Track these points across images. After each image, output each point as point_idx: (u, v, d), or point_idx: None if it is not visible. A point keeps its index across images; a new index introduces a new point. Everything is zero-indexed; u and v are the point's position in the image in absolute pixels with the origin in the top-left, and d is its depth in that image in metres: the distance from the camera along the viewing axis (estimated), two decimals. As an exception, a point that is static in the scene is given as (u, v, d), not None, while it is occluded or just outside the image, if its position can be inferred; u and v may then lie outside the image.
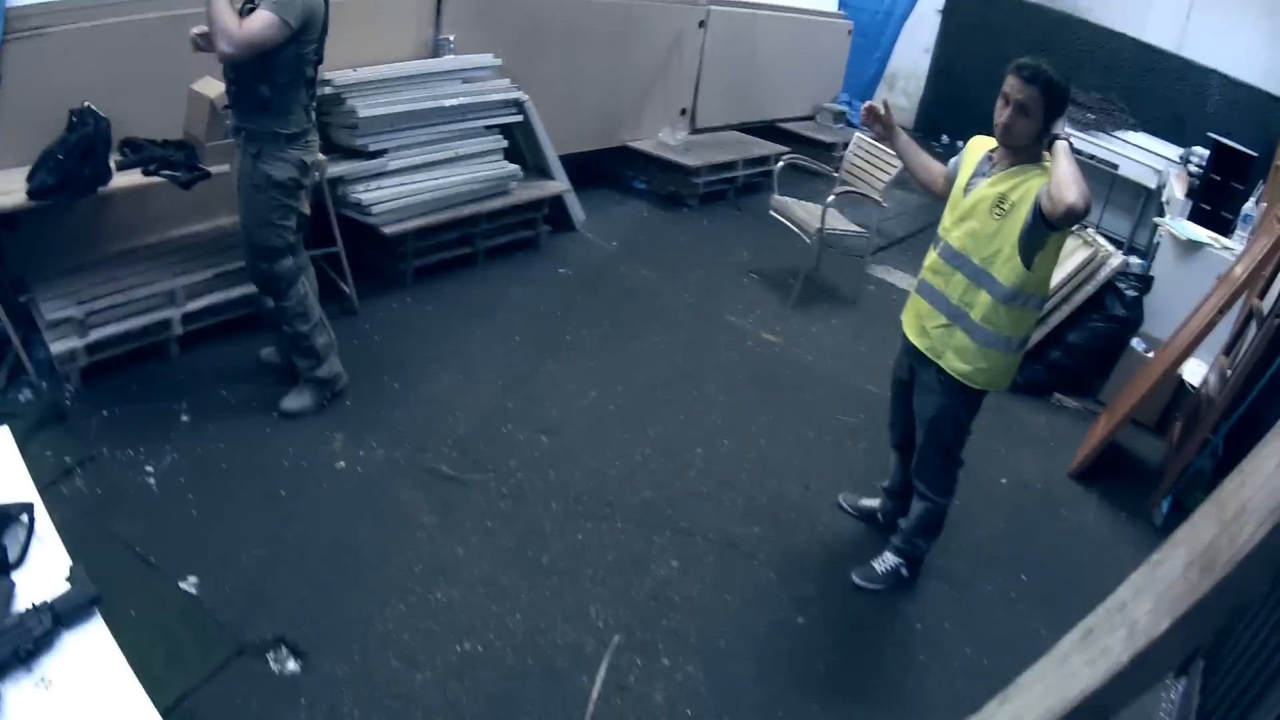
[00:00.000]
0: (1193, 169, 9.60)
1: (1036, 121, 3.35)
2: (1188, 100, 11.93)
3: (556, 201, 7.43)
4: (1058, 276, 6.22)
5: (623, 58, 8.54)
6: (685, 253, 7.66)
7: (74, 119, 4.86)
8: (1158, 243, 7.67)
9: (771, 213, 7.36)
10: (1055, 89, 3.33)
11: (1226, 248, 6.99)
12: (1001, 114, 3.36)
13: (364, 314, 5.82)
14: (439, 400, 5.01)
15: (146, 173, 4.95)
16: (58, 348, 4.82)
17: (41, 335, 4.92)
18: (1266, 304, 5.11)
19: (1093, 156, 10.88)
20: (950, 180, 3.73)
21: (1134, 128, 11.47)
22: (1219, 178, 8.60)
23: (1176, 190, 9.11)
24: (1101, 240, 6.59)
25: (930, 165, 3.91)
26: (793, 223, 7.11)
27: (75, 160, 4.72)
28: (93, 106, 4.91)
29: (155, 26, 5.13)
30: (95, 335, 4.90)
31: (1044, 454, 5.61)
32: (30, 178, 4.67)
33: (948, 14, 13.69)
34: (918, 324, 3.73)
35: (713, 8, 9.30)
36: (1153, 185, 10.45)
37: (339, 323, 5.58)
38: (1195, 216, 8.25)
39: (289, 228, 4.49)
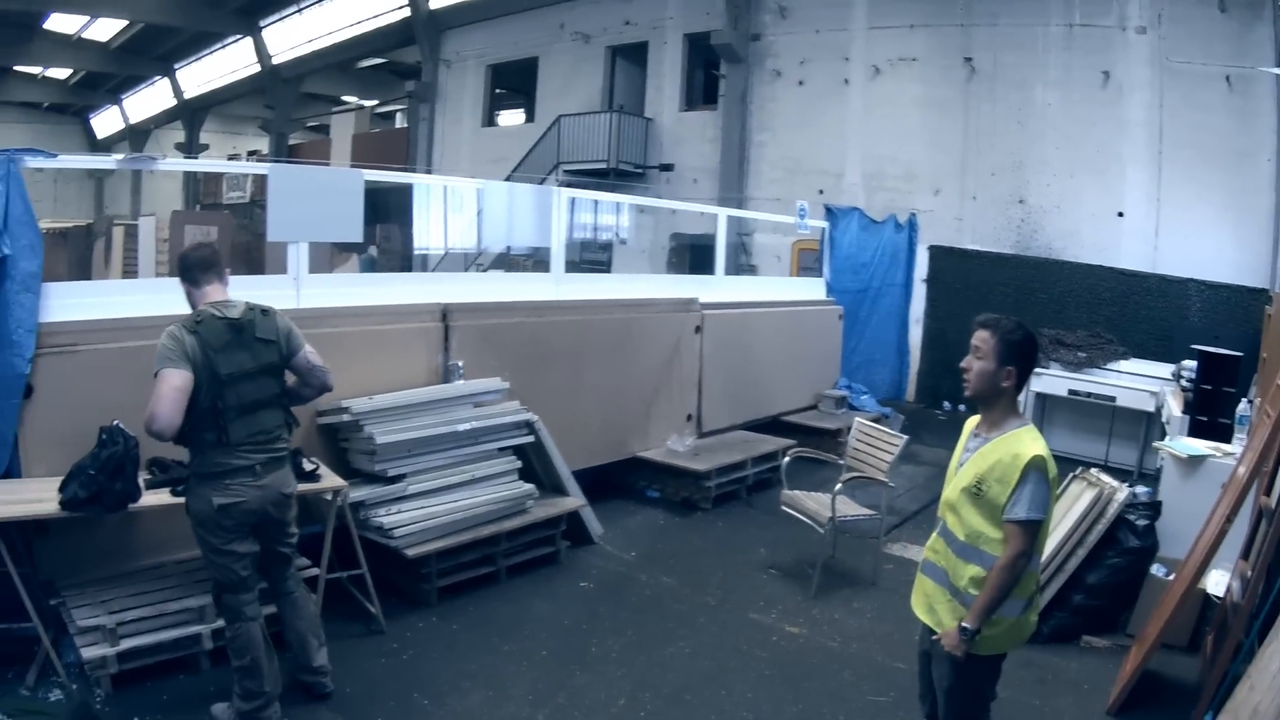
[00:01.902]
0: (1185, 383, 10.07)
1: (990, 363, 3.71)
2: (1171, 314, 12.76)
3: (573, 516, 7.83)
4: (1067, 524, 6.58)
5: (625, 370, 9.24)
6: (703, 555, 8.02)
7: (104, 436, 5.28)
8: (1160, 466, 7.97)
9: (783, 507, 7.76)
10: (1007, 331, 3.71)
11: (1228, 454, 7.23)
12: (964, 364, 3.80)
13: (390, 633, 6.10)
14: (470, 717, 5.23)
15: (174, 493, 5.32)
16: (89, 653, 5.14)
17: (73, 639, 5.23)
18: (1275, 498, 5.34)
19: (1090, 394, 11.45)
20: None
21: (1124, 356, 12.18)
22: (1209, 386, 9.01)
23: (1174, 408, 9.58)
24: (1105, 478, 6.92)
25: None
26: (805, 515, 7.51)
27: (106, 476, 5.11)
28: (121, 425, 5.35)
29: None
30: (126, 644, 5.22)
31: (1080, 698, 5.76)
32: (62, 488, 5.10)
33: (931, 283, 14.63)
34: (924, 601, 3.98)
35: (706, 312, 10.09)
36: (1151, 409, 10.95)
37: (364, 642, 5.93)
38: (1195, 430, 8.62)
39: (221, 564, 4.76)
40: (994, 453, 3.69)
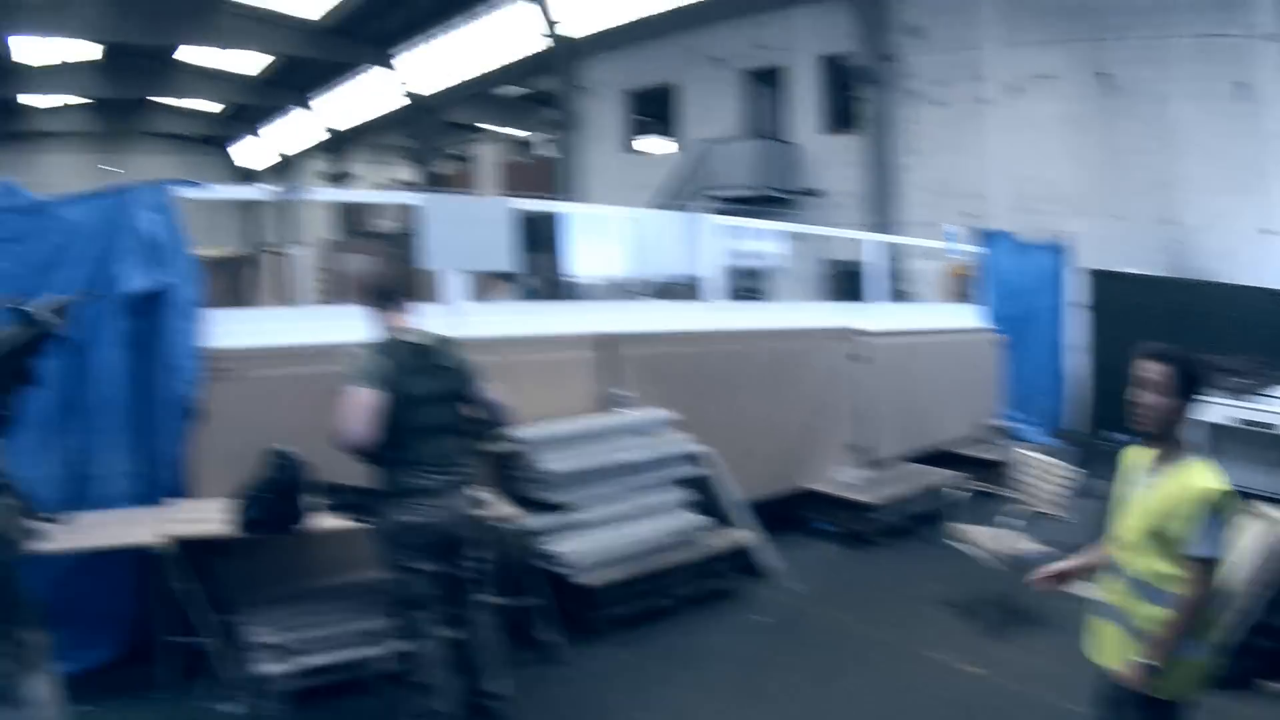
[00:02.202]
0: None
1: (1167, 398, 3.61)
2: None
3: (746, 549, 7.86)
4: (1239, 561, 6.27)
5: (787, 400, 9.26)
6: (875, 590, 7.98)
7: (274, 459, 5.53)
8: None
9: (954, 541, 7.68)
10: (1185, 364, 3.62)
11: None
12: (1133, 398, 3.69)
13: (567, 663, 6.23)
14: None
15: (343, 517, 5.50)
16: (263, 669, 5.37)
17: (247, 656, 5.46)
18: None
19: (1250, 421, 10.96)
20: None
21: None
22: None
23: None
24: (1272, 510, 6.65)
25: None
26: (977, 549, 7.40)
27: (278, 499, 5.41)
28: (291, 450, 5.60)
29: (340, 378, 5.81)
30: (302, 662, 5.44)
31: None
32: (238, 511, 5.37)
33: (1094, 309, 14.24)
34: (1104, 645, 3.88)
35: (866, 340, 10.05)
36: None
37: (540, 672, 6.06)
38: None
39: (403, 581, 4.96)
40: (1171, 488, 3.59)
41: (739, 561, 7.73)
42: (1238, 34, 14.62)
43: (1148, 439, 3.77)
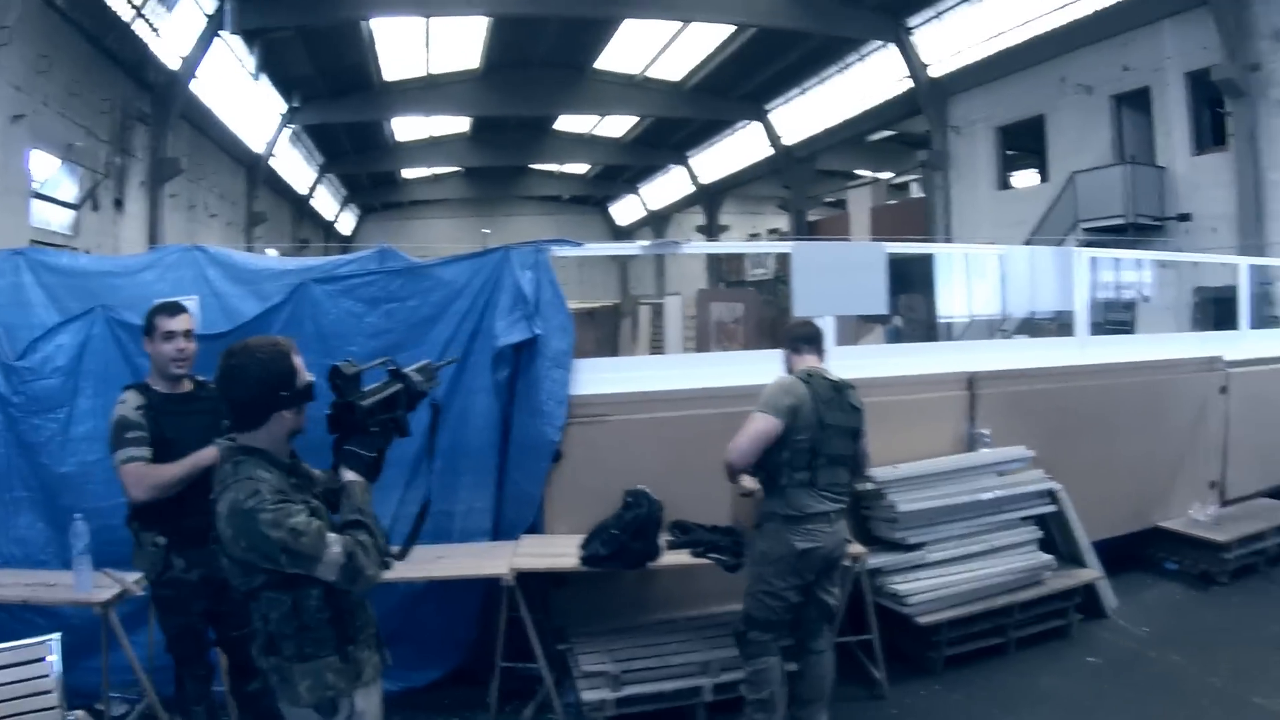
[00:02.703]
0: None
1: None
2: None
3: (1088, 589, 7.96)
4: None
5: (1149, 436, 9.22)
6: (1216, 633, 7.89)
7: (629, 499, 6.31)
8: None
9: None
10: None
11: None
12: None
13: (892, 699, 6.65)
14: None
15: (695, 554, 6.22)
16: (589, 696, 6.01)
17: (574, 682, 6.14)
18: None
19: None
20: None
21: None
22: None
23: None
24: None
25: None
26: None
27: (629, 536, 6.12)
28: (647, 489, 6.35)
29: (709, 421, 6.43)
30: (627, 690, 6.04)
31: None
32: (584, 545, 6.15)
33: None
34: None
35: (1231, 371, 9.84)
36: None
37: (866, 705, 6.55)
38: None
39: (772, 605, 5.51)
40: None
41: (1080, 601, 7.82)
42: None
43: None
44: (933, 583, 7.12)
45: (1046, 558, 7.63)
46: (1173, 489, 9.53)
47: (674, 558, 6.38)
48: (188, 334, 5.17)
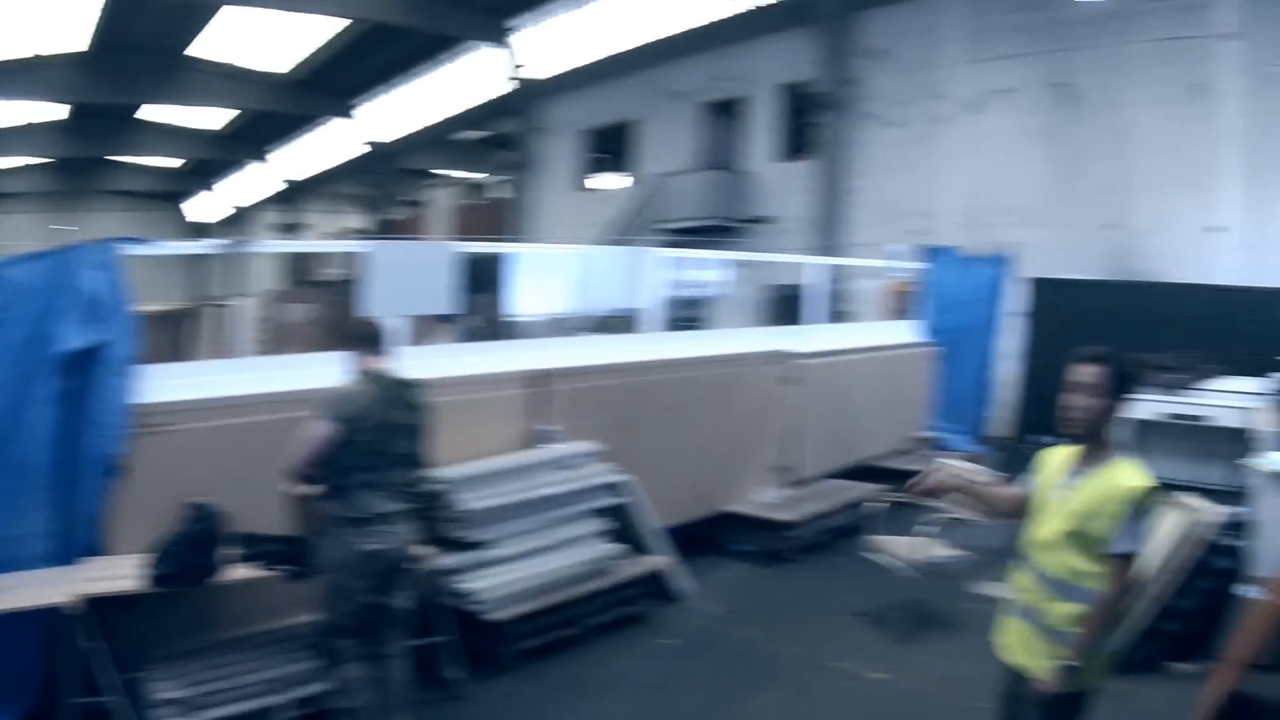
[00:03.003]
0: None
1: (1102, 399, 3.67)
2: (1268, 328, 12.35)
3: (659, 574, 7.99)
4: (1156, 549, 6.49)
5: (717, 426, 9.45)
6: (790, 607, 8.15)
7: (191, 512, 5.65)
8: (1251, 484, 7.85)
9: (872, 554, 7.90)
10: (1119, 365, 3.69)
11: None
12: (1065, 401, 3.75)
13: (472, 699, 6.29)
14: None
15: (261, 566, 5.67)
16: None
17: (151, 711, 5.49)
18: None
19: (1181, 416, 11.40)
20: (1027, 500, 4.04)
21: (1218, 374, 11.91)
22: None
23: (1267, 424, 9.44)
24: (1193, 501, 6.94)
25: (1004, 494, 4.24)
26: (894, 559, 7.64)
27: (192, 551, 5.52)
28: (208, 501, 5.72)
29: (273, 428, 5.92)
30: (206, 715, 5.49)
31: None
32: (150, 565, 5.46)
33: (1028, 317, 14.52)
34: (1016, 643, 3.94)
35: (797, 363, 10.27)
36: (1242, 426, 10.77)
37: (447, 708, 6.15)
38: None
39: (349, 610, 5.19)
40: (1098, 487, 3.67)
41: (652, 587, 7.85)
42: (1196, 35, 15.00)
43: (1076, 440, 3.84)
44: (501, 579, 6.88)
45: (614, 547, 7.62)
46: (743, 474, 9.82)
47: (242, 571, 5.79)
48: None
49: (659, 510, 8.28)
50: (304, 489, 5.26)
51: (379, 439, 5.18)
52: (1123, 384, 3.71)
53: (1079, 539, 3.66)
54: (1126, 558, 3.60)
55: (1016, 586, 3.96)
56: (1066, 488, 3.80)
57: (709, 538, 9.45)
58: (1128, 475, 3.66)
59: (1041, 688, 3.70)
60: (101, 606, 5.48)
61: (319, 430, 5.04)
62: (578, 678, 6.67)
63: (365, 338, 5.51)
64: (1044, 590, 3.79)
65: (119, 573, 5.62)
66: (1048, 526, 3.80)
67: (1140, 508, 3.60)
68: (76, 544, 6.02)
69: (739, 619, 7.81)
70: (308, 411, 5.29)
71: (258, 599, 6.33)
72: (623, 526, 7.99)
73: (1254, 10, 14.41)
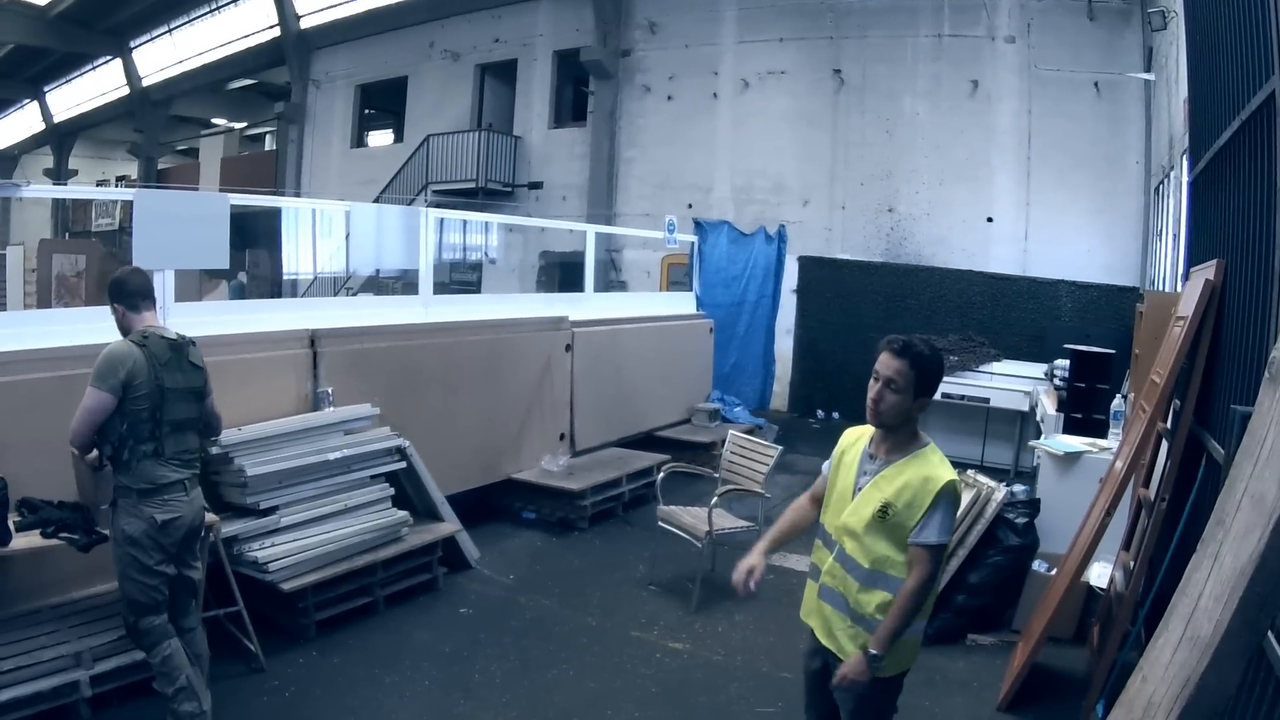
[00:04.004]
0: (1058, 382, 10.71)
1: (905, 396, 3.66)
2: (1043, 315, 13.55)
3: (450, 542, 7.94)
4: None
5: (497, 391, 9.41)
6: (582, 575, 8.20)
7: None
8: (1037, 464, 8.30)
9: (660, 523, 7.99)
10: (924, 361, 3.69)
11: (1105, 449, 7.71)
12: (871, 391, 3.74)
13: (271, 670, 6.12)
14: (354, 752, 5.30)
15: (45, 535, 5.33)
16: None
17: None
18: (1153, 490, 5.74)
19: (963, 397, 12.08)
20: (824, 485, 4.09)
21: (997, 358, 12.80)
22: (1083, 384, 9.64)
23: (1048, 407, 10.17)
24: (982, 478, 7.33)
25: (805, 508, 4.21)
26: (682, 529, 7.76)
27: None
28: None
29: (47, 386, 5.69)
30: (3, 696, 5.17)
31: (970, 696, 6.07)
32: None
33: (802, 293, 15.05)
34: (824, 625, 3.91)
35: (576, 330, 10.33)
36: (1025, 408, 11.49)
37: (245, 681, 5.95)
38: (1069, 427, 9.20)
39: (151, 585, 4.94)
40: (901, 476, 3.69)
41: (443, 555, 7.79)
42: (978, 35, 15.87)
43: (883, 429, 3.82)
44: (291, 547, 6.68)
45: (402, 514, 7.48)
46: (524, 441, 9.83)
47: (25, 541, 5.41)
48: None
49: (441, 477, 8.19)
50: (89, 459, 4.99)
51: (157, 405, 4.91)
52: (930, 381, 3.74)
53: (884, 527, 3.67)
54: (932, 548, 3.62)
55: (826, 572, 3.91)
56: (873, 474, 3.80)
57: (496, 505, 9.51)
58: (934, 466, 3.70)
59: (847, 674, 3.68)
60: None
61: (93, 400, 4.76)
62: (376, 648, 6.57)
63: (138, 292, 5.16)
64: (848, 576, 3.79)
65: None
66: (854, 514, 3.79)
67: (947, 500, 3.64)
68: None
69: (532, 587, 7.83)
70: (84, 369, 5.02)
71: (45, 571, 5.96)
72: (407, 493, 7.91)
73: (1028, 15, 15.34)
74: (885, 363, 3.68)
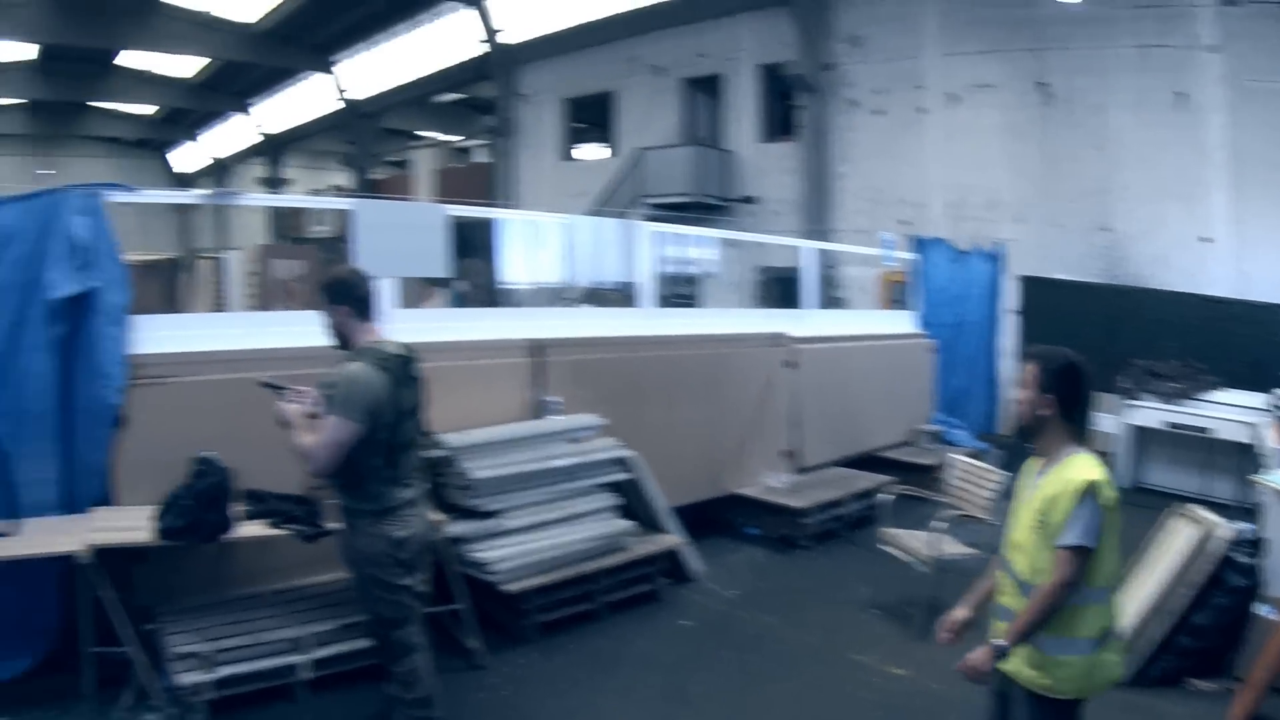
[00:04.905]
0: None
1: (1031, 392, 3.77)
2: (1261, 342, 12.37)
3: (672, 554, 7.93)
4: (1167, 562, 6.55)
5: (718, 406, 9.36)
6: (804, 594, 8.07)
7: (198, 466, 5.56)
8: (1262, 501, 7.81)
9: (883, 545, 7.84)
10: (1047, 360, 3.77)
11: None
12: (1014, 396, 3.82)
13: (491, 669, 6.25)
14: (574, 754, 5.34)
15: (271, 525, 5.60)
16: (184, 679, 5.37)
17: (168, 665, 5.45)
18: None
19: (1186, 426, 11.32)
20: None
21: (1217, 386, 11.87)
22: None
23: (1270, 440, 9.51)
24: (1206, 514, 6.83)
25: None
26: (905, 552, 7.58)
27: (201, 507, 5.41)
28: (214, 456, 5.62)
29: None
30: (223, 672, 5.45)
31: None
32: (159, 518, 5.37)
33: (1024, 314, 14.45)
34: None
35: (799, 347, 10.20)
36: (1247, 440, 10.75)
37: (464, 678, 6.07)
38: None
39: (396, 600, 4.89)
40: (1051, 484, 3.71)
41: (665, 566, 7.79)
42: (1178, 45, 15.00)
43: (1022, 436, 3.93)
44: (515, 550, 6.79)
45: (626, 524, 7.53)
46: (745, 457, 9.72)
47: (251, 529, 5.69)
48: None
49: (664, 490, 8.15)
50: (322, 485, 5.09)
51: (394, 428, 4.80)
52: (1057, 381, 3.77)
53: (1043, 537, 3.68)
54: (1071, 550, 3.59)
55: (999, 590, 3.98)
56: (1032, 488, 3.86)
57: (718, 519, 9.43)
58: (1078, 468, 3.69)
59: (970, 660, 3.79)
60: (113, 557, 5.43)
61: (344, 432, 4.60)
62: (597, 653, 6.63)
63: (362, 295, 4.97)
64: (1016, 590, 3.82)
65: (128, 524, 5.57)
66: (1018, 528, 3.87)
67: (1088, 500, 3.60)
68: (84, 493, 5.99)
69: (754, 603, 7.74)
70: (304, 369, 5.26)
71: (267, 558, 6.28)
72: (632, 503, 7.90)
73: (1233, 24, 14.44)
74: (1023, 368, 3.88)
